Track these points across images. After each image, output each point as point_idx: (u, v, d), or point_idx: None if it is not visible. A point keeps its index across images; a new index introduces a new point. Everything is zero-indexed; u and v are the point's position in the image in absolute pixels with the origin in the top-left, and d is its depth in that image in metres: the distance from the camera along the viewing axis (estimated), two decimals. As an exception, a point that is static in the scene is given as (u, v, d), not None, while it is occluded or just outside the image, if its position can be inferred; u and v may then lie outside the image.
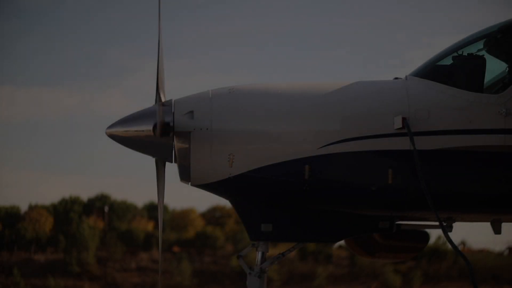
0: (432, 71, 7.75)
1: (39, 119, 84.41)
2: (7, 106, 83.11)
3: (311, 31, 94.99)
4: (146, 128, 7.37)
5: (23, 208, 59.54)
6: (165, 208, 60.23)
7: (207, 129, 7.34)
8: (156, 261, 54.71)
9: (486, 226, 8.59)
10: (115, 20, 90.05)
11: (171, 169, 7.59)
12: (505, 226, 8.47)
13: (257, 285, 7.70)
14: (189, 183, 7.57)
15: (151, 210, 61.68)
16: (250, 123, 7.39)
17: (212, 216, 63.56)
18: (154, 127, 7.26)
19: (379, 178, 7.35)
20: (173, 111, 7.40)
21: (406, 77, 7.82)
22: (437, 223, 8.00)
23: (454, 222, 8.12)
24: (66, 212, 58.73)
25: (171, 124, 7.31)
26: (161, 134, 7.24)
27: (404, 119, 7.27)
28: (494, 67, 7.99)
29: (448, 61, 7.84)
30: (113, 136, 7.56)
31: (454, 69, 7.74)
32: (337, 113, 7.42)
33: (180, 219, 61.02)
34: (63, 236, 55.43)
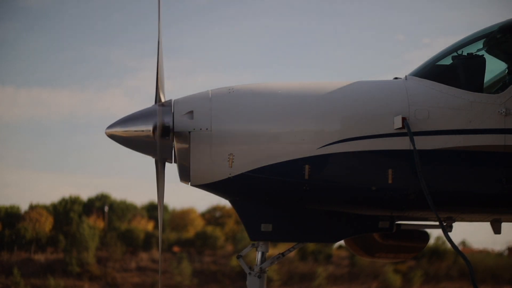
0: (432, 71, 7.75)
1: (40, 119, 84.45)
2: (8, 106, 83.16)
3: (311, 31, 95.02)
4: (145, 128, 7.37)
5: (23, 208, 59.58)
6: (165, 208, 60.23)
7: (206, 129, 7.34)
8: (156, 261, 54.72)
9: (486, 226, 8.59)
10: (116, 21, 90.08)
11: (171, 169, 7.60)
12: (505, 226, 8.47)
13: (257, 285, 7.70)
14: (189, 183, 7.57)
15: (151, 210, 61.69)
16: (250, 123, 7.38)
17: (212, 216, 63.57)
18: (154, 128, 7.26)
19: (379, 178, 7.34)
20: (172, 111, 7.40)
21: (406, 77, 7.82)
22: (437, 223, 8.00)
23: (454, 222, 8.12)
24: (66, 212, 58.73)
25: (171, 126, 7.31)
26: (161, 136, 7.24)
27: (404, 119, 7.26)
28: (494, 67, 7.99)
29: (447, 61, 7.83)
30: (112, 136, 7.56)
31: (454, 69, 7.74)
32: (337, 113, 7.41)
33: (180, 219, 61.02)
34: (63, 236, 55.43)
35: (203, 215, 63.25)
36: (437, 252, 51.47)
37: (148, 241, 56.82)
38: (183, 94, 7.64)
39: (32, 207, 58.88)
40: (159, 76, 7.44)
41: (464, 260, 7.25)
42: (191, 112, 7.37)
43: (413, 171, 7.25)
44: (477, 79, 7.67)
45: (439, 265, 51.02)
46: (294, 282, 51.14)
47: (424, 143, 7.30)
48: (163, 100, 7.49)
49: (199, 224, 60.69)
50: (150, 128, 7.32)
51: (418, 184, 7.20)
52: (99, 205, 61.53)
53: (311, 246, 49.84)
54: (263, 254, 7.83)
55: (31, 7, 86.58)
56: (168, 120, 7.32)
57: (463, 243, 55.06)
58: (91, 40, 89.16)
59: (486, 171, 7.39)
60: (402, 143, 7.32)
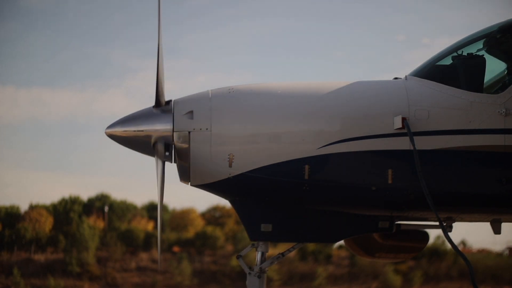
0: (432, 71, 7.74)
1: (40, 119, 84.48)
2: (8, 106, 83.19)
3: (311, 32, 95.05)
4: (145, 128, 7.37)
5: (23, 208, 59.57)
6: (165, 208, 60.23)
7: (206, 129, 7.33)
8: (156, 261, 54.71)
9: (486, 226, 8.59)
10: (116, 21, 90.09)
11: (171, 169, 7.60)
12: (505, 226, 8.46)
13: (257, 285, 7.70)
14: (189, 183, 7.57)
15: (151, 210, 61.71)
16: (250, 123, 7.38)
17: (212, 216, 63.57)
18: (154, 144, 7.31)
19: (379, 178, 7.34)
20: (172, 111, 7.40)
21: (406, 77, 7.82)
22: (437, 223, 7.99)
23: (454, 222, 8.12)
24: (66, 212, 58.73)
25: (171, 143, 7.32)
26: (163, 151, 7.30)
27: (404, 119, 7.26)
28: (494, 67, 7.98)
29: (448, 61, 7.83)
30: (112, 136, 7.56)
31: (454, 69, 7.74)
32: (337, 113, 7.41)
33: (180, 219, 61.02)
34: (63, 236, 55.42)
35: (203, 215, 63.27)
36: (437, 252, 51.50)
37: (148, 241, 56.81)
38: (183, 94, 7.65)
39: (32, 207, 58.88)
40: (159, 76, 7.44)
41: (464, 260, 7.24)
42: (191, 112, 7.37)
43: (413, 171, 7.24)
44: (477, 79, 7.67)
45: (439, 265, 51.05)
46: (294, 282, 51.15)
47: (424, 143, 7.29)
48: (163, 100, 7.49)
49: (199, 224, 60.69)
50: (150, 128, 7.33)
51: (418, 184, 7.19)
52: (99, 205, 61.53)
53: (311, 246, 49.84)
54: (263, 254, 7.83)
55: (31, 7, 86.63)
56: (168, 142, 7.32)
57: (463, 243, 55.09)
58: (91, 40, 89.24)
59: (486, 171, 7.39)
60: (402, 143, 7.31)
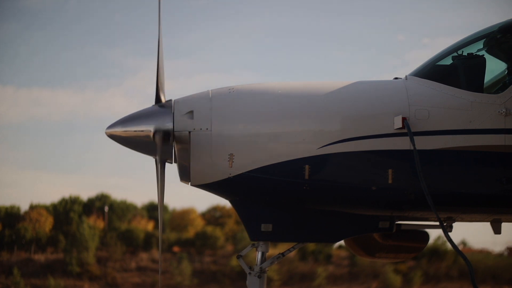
0: (432, 71, 7.74)
1: (40, 119, 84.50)
2: (8, 106, 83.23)
3: (311, 32, 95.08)
4: (145, 128, 7.37)
5: (23, 208, 59.60)
6: (165, 208, 60.23)
7: (207, 129, 7.34)
8: (156, 261, 54.75)
9: (486, 226, 8.59)
10: (116, 21, 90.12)
11: (171, 169, 7.60)
12: (505, 226, 8.47)
13: (257, 285, 7.70)
14: (189, 183, 7.57)
15: (151, 210, 61.73)
16: (250, 123, 7.38)
17: (212, 216, 63.58)
18: (154, 133, 7.28)
19: (379, 178, 7.34)
20: (173, 111, 7.40)
21: (406, 77, 7.82)
22: (437, 223, 8.00)
23: (454, 222, 8.12)
24: (66, 212, 58.73)
25: (171, 129, 7.30)
26: (162, 141, 7.26)
27: (404, 119, 7.26)
28: (494, 67, 7.98)
29: (448, 61, 7.83)
30: (112, 136, 7.56)
31: (454, 69, 7.74)
32: (337, 113, 7.41)
33: (180, 219, 61.03)
34: (63, 236, 55.44)
35: (203, 215, 63.29)
36: (437, 252, 51.50)
37: (148, 241, 56.85)
38: (183, 94, 7.65)
39: (32, 207, 58.89)
40: (159, 76, 7.44)
41: (464, 260, 7.24)
42: (191, 112, 7.38)
43: (413, 171, 7.24)
44: (477, 79, 7.67)
45: (439, 265, 51.06)
46: (294, 282, 51.16)
47: (424, 143, 7.29)
48: (163, 100, 7.49)
49: (199, 224, 60.70)
50: (150, 128, 7.33)
51: (418, 184, 7.19)
52: (99, 205, 61.54)
53: (311, 246, 49.86)
54: (263, 254, 7.83)
55: (31, 7, 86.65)
56: (168, 124, 7.32)
57: (463, 243, 55.12)
58: (91, 40, 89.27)
59: (486, 171, 7.39)
60: (402, 143, 7.31)
